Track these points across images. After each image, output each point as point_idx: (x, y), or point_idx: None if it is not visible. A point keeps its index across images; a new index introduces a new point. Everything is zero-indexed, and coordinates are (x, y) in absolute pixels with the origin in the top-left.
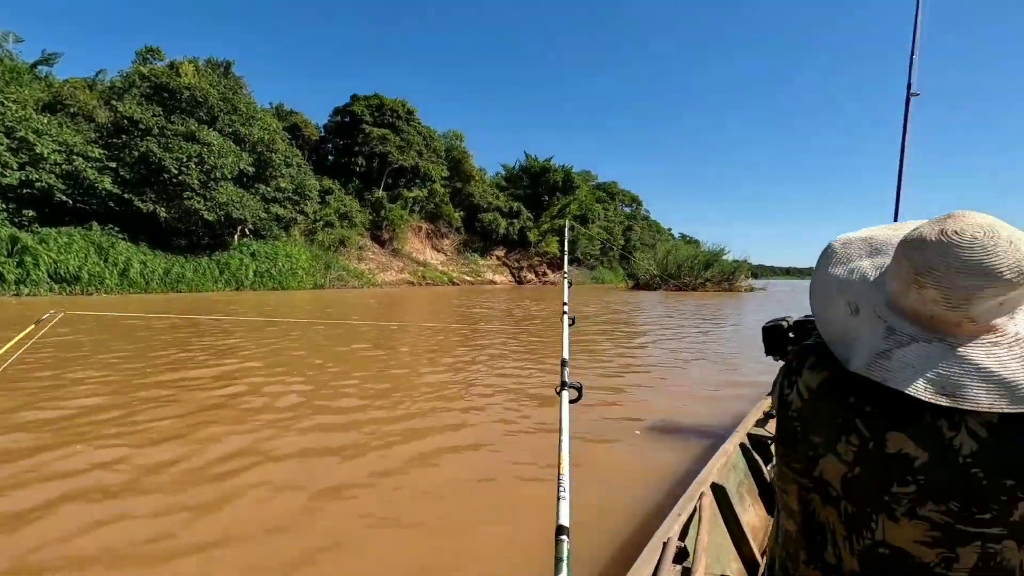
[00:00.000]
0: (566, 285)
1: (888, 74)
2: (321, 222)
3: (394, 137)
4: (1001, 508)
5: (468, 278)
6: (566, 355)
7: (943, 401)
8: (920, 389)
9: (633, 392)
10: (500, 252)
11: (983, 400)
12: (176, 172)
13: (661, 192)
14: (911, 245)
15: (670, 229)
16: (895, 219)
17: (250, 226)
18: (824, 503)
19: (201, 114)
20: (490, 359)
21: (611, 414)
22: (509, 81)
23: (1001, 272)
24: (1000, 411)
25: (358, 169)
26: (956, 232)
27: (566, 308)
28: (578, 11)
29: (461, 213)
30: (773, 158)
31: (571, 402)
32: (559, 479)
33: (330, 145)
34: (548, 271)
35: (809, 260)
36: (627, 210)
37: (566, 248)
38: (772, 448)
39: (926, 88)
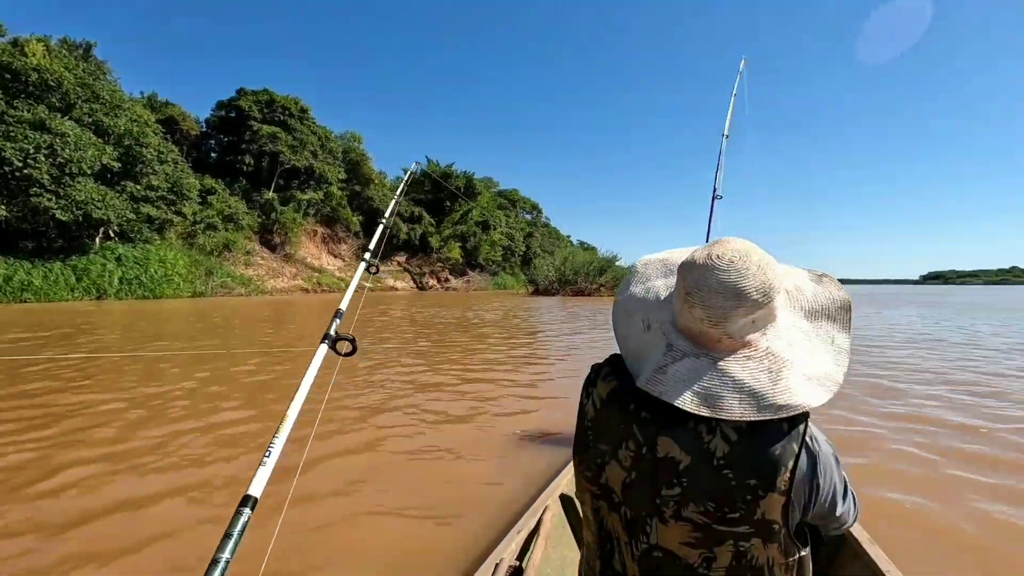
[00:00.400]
0: (379, 231)
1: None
2: (202, 224)
3: (286, 136)
4: (747, 507)
5: (368, 285)
6: (344, 305)
7: (704, 411)
8: (687, 401)
9: (518, 401)
10: (401, 258)
11: (736, 409)
12: (20, 165)
13: (560, 198)
14: (685, 267)
15: (569, 236)
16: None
17: (115, 227)
18: (610, 510)
19: (53, 100)
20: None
21: (491, 424)
22: (410, 85)
23: (749, 293)
24: (749, 419)
25: (246, 168)
26: (718, 256)
27: (368, 253)
28: (481, 17)
29: (360, 217)
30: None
31: (345, 355)
32: (271, 442)
33: (213, 142)
34: (450, 277)
35: None
36: (528, 217)
37: (403, 188)
38: None
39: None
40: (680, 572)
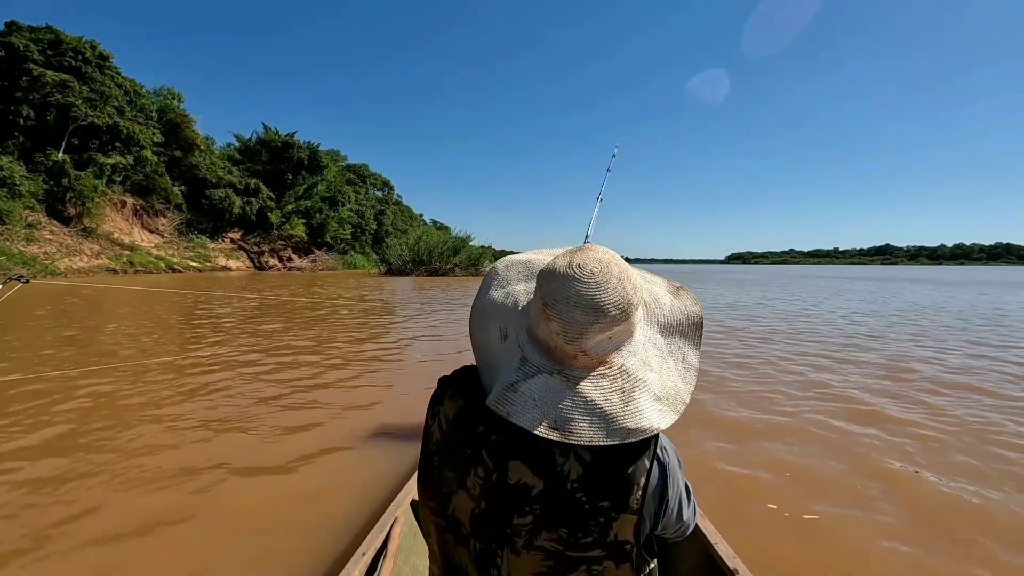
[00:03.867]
0: None
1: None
2: None
3: (80, 86)
4: (600, 530)
5: (194, 264)
6: None
7: (554, 436)
8: (537, 424)
9: (367, 391)
10: (235, 234)
11: (586, 433)
12: None
13: (413, 178)
14: (544, 275)
15: (422, 215)
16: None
17: None
18: (457, 543)
19: None
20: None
21: (328, 428)
22: (244, 40)
23: (607, 308)
24: (597, 444)
25: (22, 122)
26: (579, 266)
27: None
28: None
29: (183, 188)
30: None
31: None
32: None
33: None
34: (294, 255)
35: (549, 243)
36: (379, 194)
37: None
38: None
39: None
40: None
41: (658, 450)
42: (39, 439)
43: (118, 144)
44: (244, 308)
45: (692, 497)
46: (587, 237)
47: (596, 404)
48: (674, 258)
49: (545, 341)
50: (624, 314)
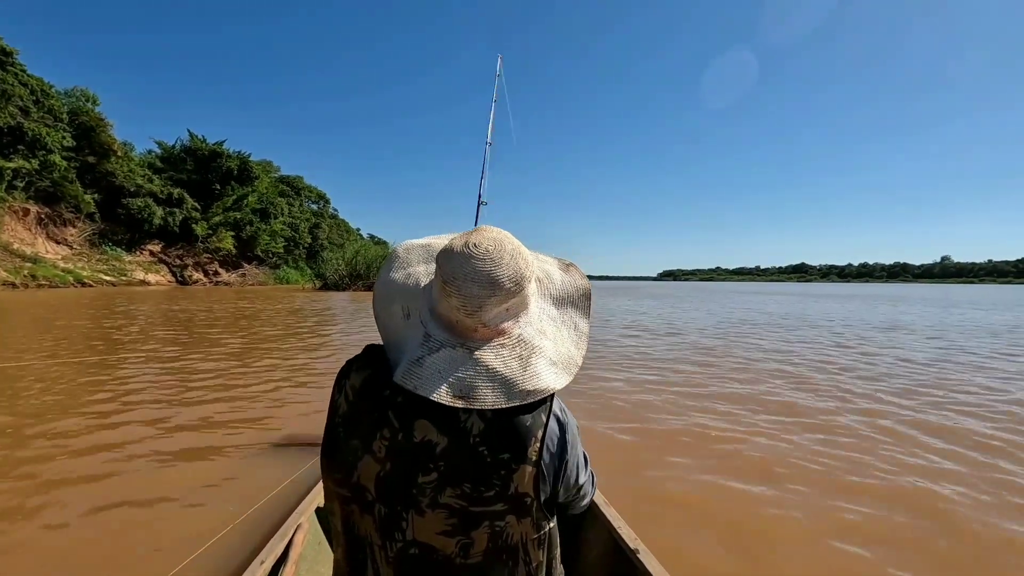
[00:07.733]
0: None
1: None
2: None
3: None
4: (502, 483)
5: (108, 278)
6: None
7: (460, 404)
8: (443, 395)
9: (272, 399)
10: (156, 246)
11: (489, 398)
12: None
13: (348, 190)
14: (443, 255)
15: (359, 229)
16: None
17: None
18: (362, 513)
19: None
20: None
21: (224, 438)
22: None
23: (503, 282)
24: (500, 407)
25: None
26: (475, 245)
27: None
28: None
29: (96, 195)
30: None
31: None
32: None
33: None
34: (221, 270)
35: None
36: (314, 207)
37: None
38: None
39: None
40: (438, 565)
41: (556, 409)
42: None
43: (21, 147)
44: (148, 317)
45: (589, 466)
46: (481, 187)
47: (497, 371)
48: (609, 275)
49: (447, 317)
50: (518, 286)
